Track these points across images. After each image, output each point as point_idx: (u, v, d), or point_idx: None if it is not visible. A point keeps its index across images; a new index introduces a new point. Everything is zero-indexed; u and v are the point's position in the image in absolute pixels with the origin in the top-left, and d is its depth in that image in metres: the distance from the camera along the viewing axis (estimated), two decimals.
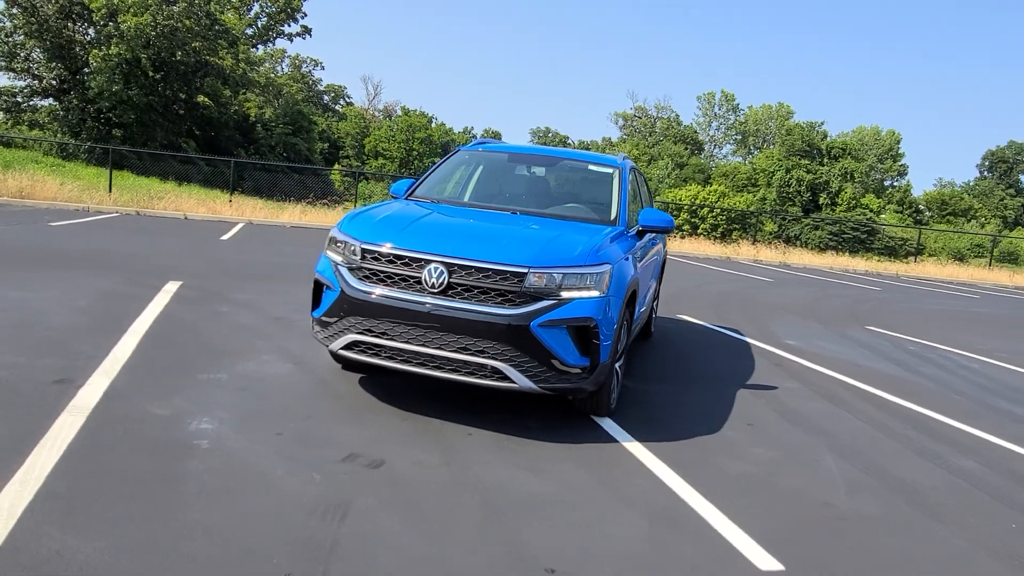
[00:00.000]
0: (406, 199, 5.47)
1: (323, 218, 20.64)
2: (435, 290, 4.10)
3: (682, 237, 31.13)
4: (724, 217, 47.03)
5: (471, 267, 4.10)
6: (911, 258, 36.86)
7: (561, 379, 4.11)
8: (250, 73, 49.14)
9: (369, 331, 4.21)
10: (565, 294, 4.11)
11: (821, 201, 58.54)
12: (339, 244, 4.51)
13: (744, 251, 25.68)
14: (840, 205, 59.09)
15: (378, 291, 4.20)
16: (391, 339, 4.16)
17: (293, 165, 38.91)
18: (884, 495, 3.99)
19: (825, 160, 59.76)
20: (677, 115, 70.83)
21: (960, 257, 57.00)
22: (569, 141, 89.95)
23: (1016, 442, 5.22)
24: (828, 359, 7.50)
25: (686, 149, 64.72)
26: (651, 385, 5.72)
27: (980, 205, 74.14)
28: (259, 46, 50.85)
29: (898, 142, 79.13)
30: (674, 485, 3.78)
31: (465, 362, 4.07)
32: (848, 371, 6.99)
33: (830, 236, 46.74)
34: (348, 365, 5.12)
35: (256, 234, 15.47)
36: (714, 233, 42.62)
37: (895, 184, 73.93)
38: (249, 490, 3.22)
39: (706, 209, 46.27)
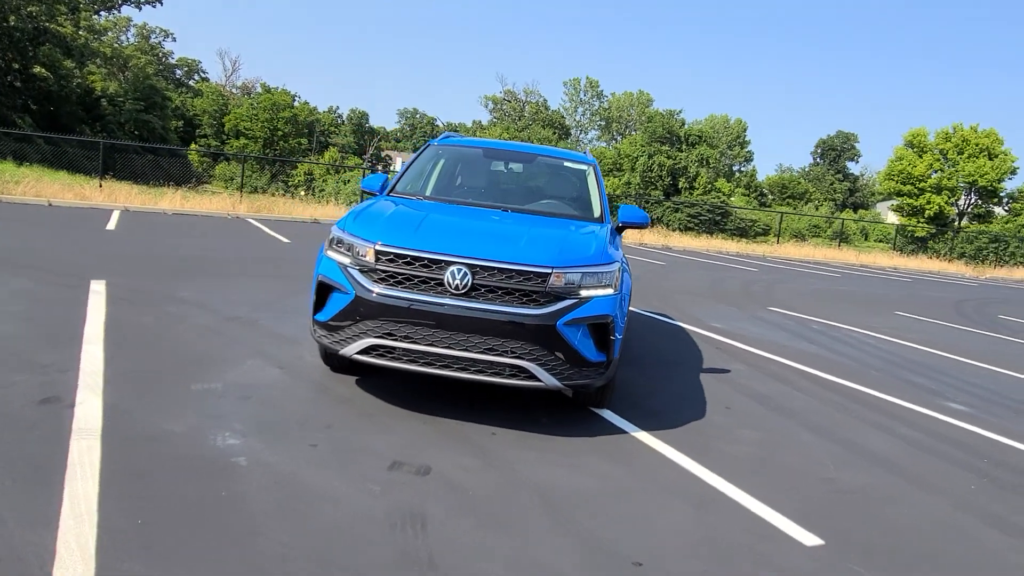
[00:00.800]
0: (388, 196, 5.36)
1: (207, 204, 19.45)
2: (458, 292, 4.09)
3: None
4: None
5: (494, 268, 4.12)
6: (774, 240, 39.74)
7: (582, 375, 4.24)
8: (93, 43, 45.01)
9: (390, 335, 4.14)
10: (584, 292, 4.23)
11: (680, 185, 61.95)
12: (344, 245, 4.39)
13: (629, 234, 26.72)
14: (697, 189, 62.72)
15: (398, 294, 4.14)
16: (414, 342, 4.11)
17: (158, 147, 36.08)
18: (865, 467, 4.45)
19: (683, 147, 63.11)
20: (545, 100, 72.14)
21: (801, 236, 62.27)
22: (438, 123, 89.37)
23: (936, 410, 5.93)
24: (757, 341, 8.11)
25: (554, 134, 66.16)
26: (618, 371, 5.97)
27: (814, 189, 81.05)
28: (102, 13, 46.64)
29: (744, 130, 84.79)
30: (696, 471, 4.02)
31: (491, 363, 4.10)
32: (779, 352, 7.60)
33: (689, 218, 49.56)
34: (339, 367, 4.98)
35: (140, 223, 14.35)
36: None
37: (742, 169, 79.43)
38: (316, 507, 3.12)
39: None
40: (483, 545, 2.98)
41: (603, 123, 74.69)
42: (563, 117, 71.99)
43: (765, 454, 4.47)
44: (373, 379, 4.92)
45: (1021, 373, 8.10)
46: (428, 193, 5.52)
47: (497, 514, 3.27)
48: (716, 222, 49.53)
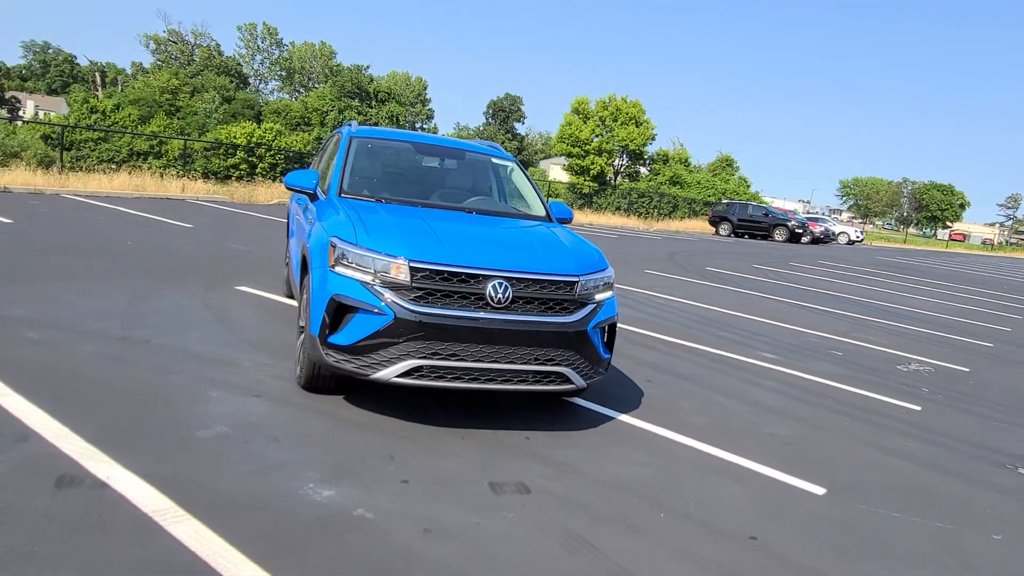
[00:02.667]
0: (346, 198, 5.00)
1: None
2: (500, 305, 4.14)
3: (239, 179, 28.75)
4: (282, 157, 46.49)
5: (530, 279, 4.24)
6: None
7: (596, 372, 4.59)
8: None
9: (436, 354, 4.04)
10: (598, 297, 4.55)
11: None
12: (359, 260, 4.10)
13: None
14: None
15: (441, 311, 4.04)
16: (461, 359, 4.08)
17: None
18: (785, 421, 5.53)
19: (373, 103, 62.93)
20: (218, 44, 66.04)
21: None
22: (79, 61, 76.46)
23: (763, 360, 7.39)
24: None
25: (231, 82, 61.17)
26: None
27: None
28: None
29: (425, 88, 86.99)
30: (696, 445, 4.67)
31: (535, 372, 4.26)
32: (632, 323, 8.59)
33: None
34: (322, 389, 4.60)
35: None
36: (272, 173, 41.77)
37: (424, 126, 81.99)
38: (495, 548, 3.10)
39: (263, 148, 45.05)
40: (646, 548, 3.27)
41: (284, 74, 70.92)
42: (239, 64, 66.70)
43: (717, 421, 5.29)
44: (358, 396, 4.66)
45: (775, 321, 10.22)
46: (385, 195, 5.22)
47: (621, 516, 3.55)
48: None
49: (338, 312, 4.11)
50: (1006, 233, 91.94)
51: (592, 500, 3.68)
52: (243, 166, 34.30)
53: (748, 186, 53.95)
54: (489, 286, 4.13)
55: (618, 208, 45.99)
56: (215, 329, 5.86)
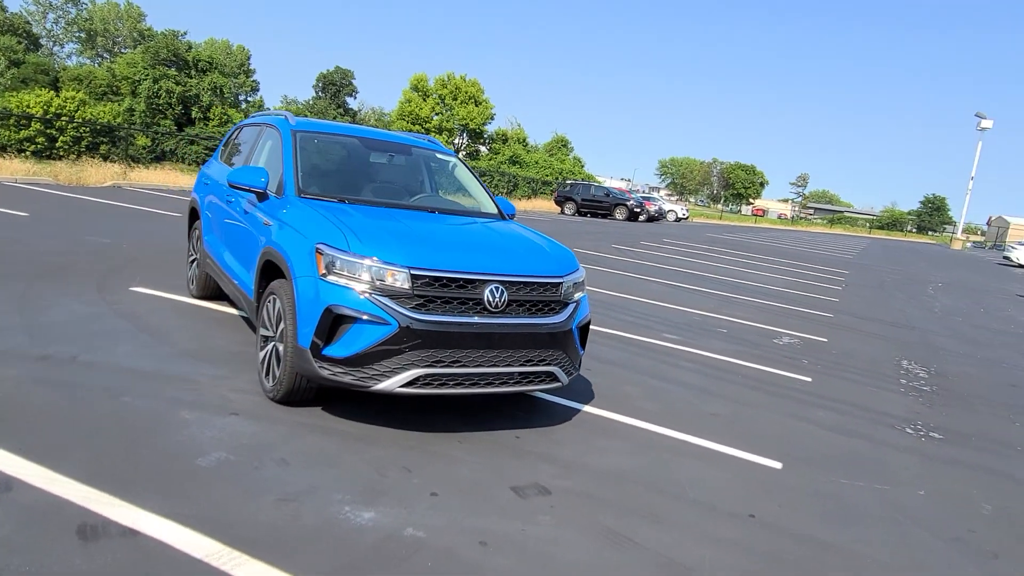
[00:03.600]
0: (306, 198, 4.74)
1: None
2: (497, 309, 4.19)
3: (35, 155, 25.58)
4: (88, 130, 42.13)
5: (522, 282, 4.32)
6: None
7: (575, 369, 4.76)
8: None
9: (439, 362, 4.02)
10: (576, 296, 4.71)
11: (194, 115, 57.62)
12: (351, 268, 3.97)
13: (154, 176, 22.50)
14: (213, 120, 59.28)
15: (442, 318, 4.03)
16: (463, 365, 4.09)
17: None
18: (716, 400, 6.02)
19: (193, 72, 58.38)
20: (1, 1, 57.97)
21: None
22: None
23: (670, 342, 7.95)
24: None
25: (20, 43, 54.05)
26: None
27: None
28: None
29: (248, 57, 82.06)
30: (666, 432, 5.00)
31: (527, 373, 4.35)
32: None
33: (207, 152, 47.00)
34: (296, 401, 4.40)
35: None
36: (76, 148, 37.72)
37: (250, 99, 77.42)
38: (553, 555, 3.20)
39: (64, 120, 40.55)
40: (675, 536, 3.52)
41: (83, 36, 63.76)
42: (28, 23, 59.09)
43: (663, 405, 5.66)
44: (335, 406, 4.52)
45: (657, 301, 10.92)
46: (345, 195, 4.98)
47: (639, 508, 3.77)
48: None
49: (334, 323, 3.95)
50: (796, 208, 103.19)
51: (608, 495, 3.87)
52: (40, 139, 29.93)
53: (582, 166, 56.28)
54: (487, 291, 4.16)
55: None
56: (141, 340, 5.36)
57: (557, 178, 50.93)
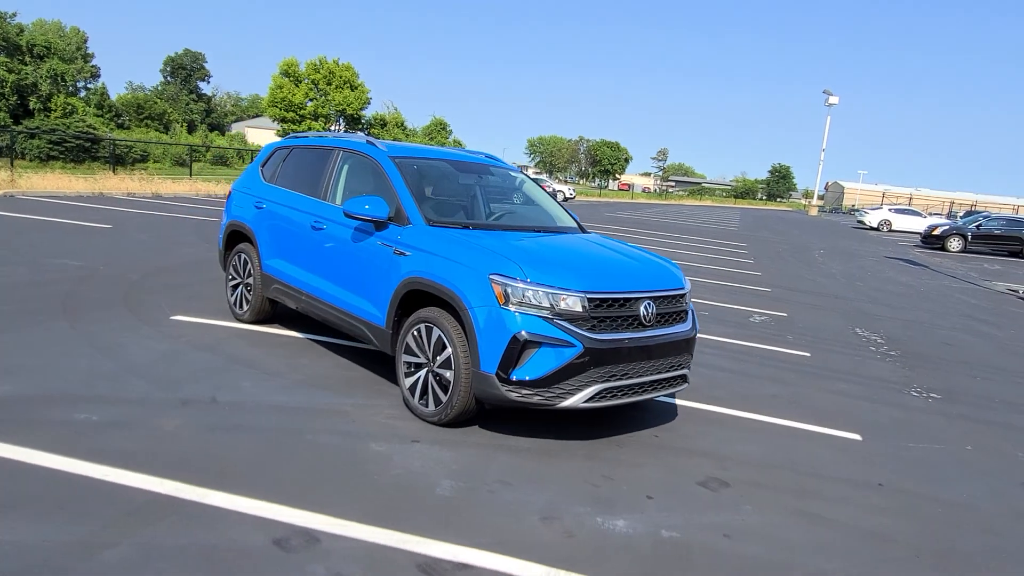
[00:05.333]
0: (436, 226, 4.92)
1: None
2: (649, 323, 4.62)
3: None
4: None
5: (664, 296, 4.77)
6: (154, 165, 38.36)
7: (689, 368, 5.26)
8: None
9: (613, 376, 4.41)
10: (689, 303, 5.20)
11: (32, 106, 52.50)
12: (532, 296, 4.27)
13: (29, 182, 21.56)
14: (55, 111, 54.34)
15: (614, 336, 4.41)
16: (631, 377, 4.50)
17: None
18: (763, 382, 6.73)
19: (28, 59, 53.10)
20: None
21: (182, 162, 60.82)
22: None
23: None
24: None
25: None
26: None
27: (171, 109, 78.61)
28: None
29: (85, 41, 75.42)
30: (756, 417, 5.63)
31: (671, 378, 4.82)
32: None
33: (51, 146, 43.30)
34: (457, 423, 4.62)
35: None
36: None
37: (90, 86, 71.32)
38: (794, 544, 3.71)
39: None
40: (850, 511, 4.14)
41: None
42: None
43: (727, 392, 6.30)
44: (490, 424, 4.78)
45: None
46: (468, 221, 5.18)
47: (803, 489, 4.36)
48: (86, 149, 44.46)
49: (521, 349, 4.22)
50: (659, 182, 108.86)
51: (768, 480, 4.42)
52: None
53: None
54: (641, 307, 4.57)
55: None
56: (247, 374, 5.30)
57: None
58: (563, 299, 4.30)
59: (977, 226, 28.05)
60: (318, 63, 52.61)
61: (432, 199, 5.39)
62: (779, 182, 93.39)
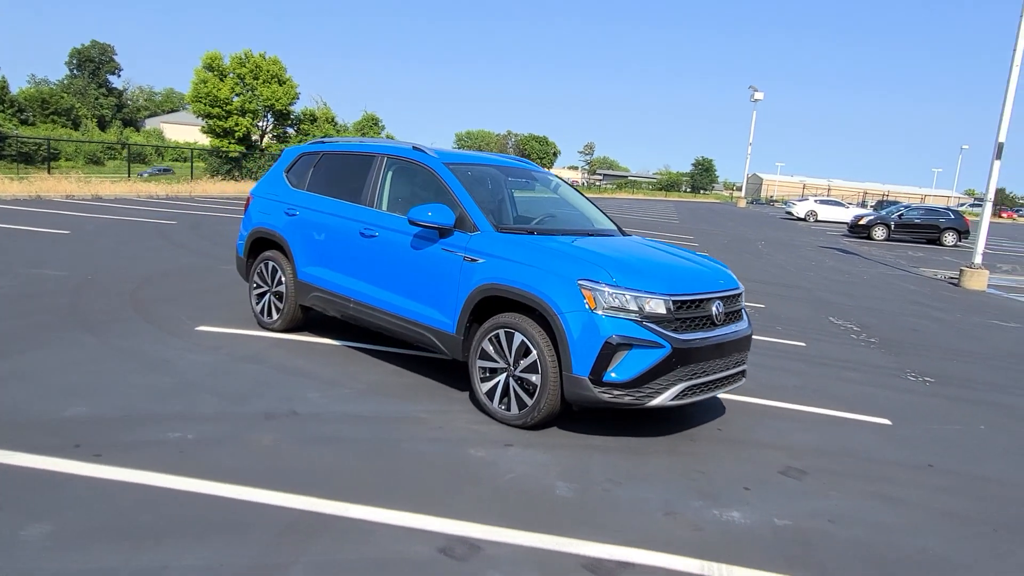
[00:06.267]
0: (504, 232, 5.00)
1: None
2: (719, 322, 4.85)
3: None
4: None
5: (728, 296, 5.00)
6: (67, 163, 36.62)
7: None
8: None
9: (695, 374, 4.61)
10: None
11: None
12: (621, 300, 4.42)
13: None
14: None
15: (694, 336, 4.61)
16: (708, 374, 4.71)
17: None
18: (779, 372, 7.08)
19: None
20: None
21: (96, 160, 58.10)
22: None
23: None
24: None
25: None
26: None
27: (80, 104, 74.70)
28: None
29: None
30: (792, 407, 5.95)
31: (735, 374, 5.06)
32: None
33: None
34: (542, 426, 4.73)
35: None
36: None
37: None
38: (891, 526, 3.99)
39: None
40: (916, 492, 4.47)
41: None
42: None
43: (757, 384, 6.61)
44: (562, 423, 4.90)
45: None
46: (530, 226, 5.27)
47: (867, 474, 4.66)
48: None
49: (615, 351, 4.36)
50: (586, 175, 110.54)
51: (838, 467, 4.71)
52: None
53: None
54: (713, 307, 4.78)
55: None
56: (318, 386, 5.23)
57: None
58: (648, 302, 4.46)
59: (899, 216, 29.80)
60: (244, 57, 50.95)
61: (491, 205, 5.45)
62: (703, 175, 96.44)
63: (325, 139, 6.76)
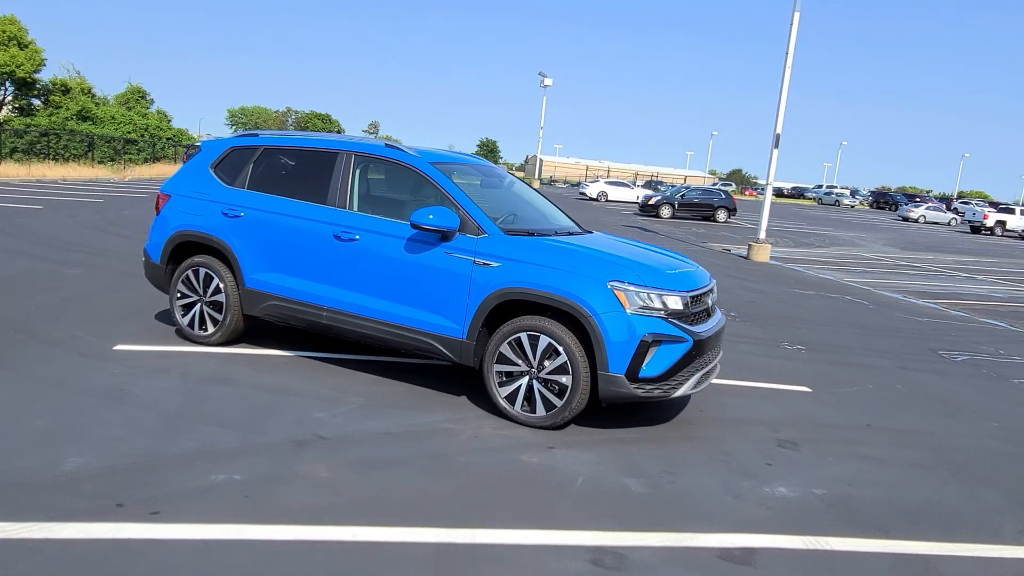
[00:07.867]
0: (512, 235, 4.97)
1: None
2: (711, 314, 5.26)
3: None
4: None
5: (712, 290, 5.42)
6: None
7: None
8: None
9: (704, 363, 4.97)
10: None
11: None
12: (648, 299, 4.65)
13: None
14: None
15: (703, 327, 4.97)
16: (710, 363, 5.09)
17: None
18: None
19: None
20: None
21: None
22: None
23: None
24: None
25: None
26: None
27: None
28: None
29: None
30: (753, 384, 6.58)
31: (718, 362, 5.49)
32: None
33: None
34: (564, 425, 4.83)
35: None
36: None
37: None
38: (908, 499, 4.63)
39: None
40: (888, 452, 5.23)
41: None
42: None
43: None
44: (581, 420, 5.04)
45: None
46: (524, 228, 5.22)
47: (839, 438, 5.35)
48: None
49: (648, 349, 4.56)
50: None
51: (814, 436, 5.33)
52: None
53: (169, 120, 50.92)
54: (709, 299, 5.17)
55: (14, 150, 37.99)
56: (315, 404, 4.82)
57: (143, 135, 45.62)
58: (669, 298, 4.72)
59: (682, 196, 33.09)
60: None
61: (492, 207, 5.32)
62: (487, 156, 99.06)
63: (257, 132, 6.12)
